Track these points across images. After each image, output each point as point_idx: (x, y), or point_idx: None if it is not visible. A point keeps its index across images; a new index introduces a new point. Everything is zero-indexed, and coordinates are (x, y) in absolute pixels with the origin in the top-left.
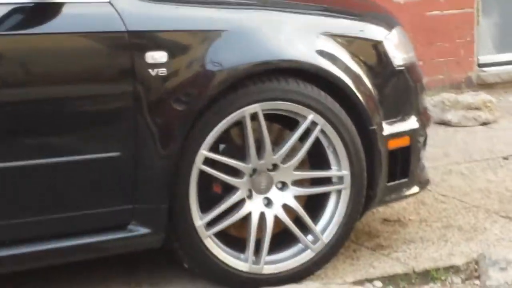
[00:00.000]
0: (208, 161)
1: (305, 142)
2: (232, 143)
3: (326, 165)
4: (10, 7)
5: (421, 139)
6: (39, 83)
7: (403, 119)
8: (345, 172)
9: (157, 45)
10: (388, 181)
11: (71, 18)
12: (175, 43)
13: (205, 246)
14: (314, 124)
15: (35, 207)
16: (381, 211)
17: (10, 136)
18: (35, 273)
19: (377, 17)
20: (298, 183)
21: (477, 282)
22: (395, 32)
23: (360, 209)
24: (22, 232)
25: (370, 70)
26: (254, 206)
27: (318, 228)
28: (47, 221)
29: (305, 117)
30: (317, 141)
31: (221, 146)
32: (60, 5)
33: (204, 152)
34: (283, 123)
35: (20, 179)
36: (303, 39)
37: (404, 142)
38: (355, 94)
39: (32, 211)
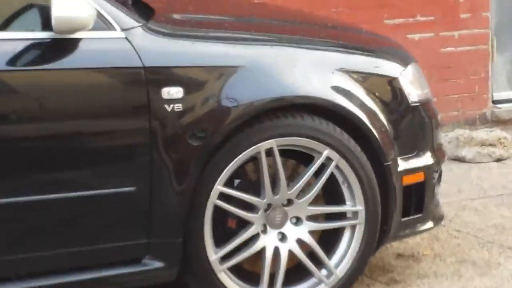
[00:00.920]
0: (223, 196)
1: (320, 178)
2: (247, 178)
3: (340, 201)
4: (28, 43)
5: (436, 175)
6: (56, 118)
7: (418, 155)
8: (360, 208)
9: (173, 81)
10: (403, 217)
11: (88, 54)
12: (191, 79)
13: (219, 280)
14: (329, 159)
15: (52, 241)
16: (395, 246)
17: (28, 170)
18: None
19: (393, 53)
20: (313, 218)
21: None
22: (410, 68)
23: (374, 244)
24: (40, 265)
25: (385, 106)
26: (268, 241)
27: (332, 262)
28: (64, 254)
29: (320, 153)
30: (331, 177)
31: (236, 181)
32: (78, 40)
33: (219, 187)
34: (298, 159)
35: (37, 213)
36: (318, 75)
37: (418, 178)
38: (370, 130)
39: (49, 244)
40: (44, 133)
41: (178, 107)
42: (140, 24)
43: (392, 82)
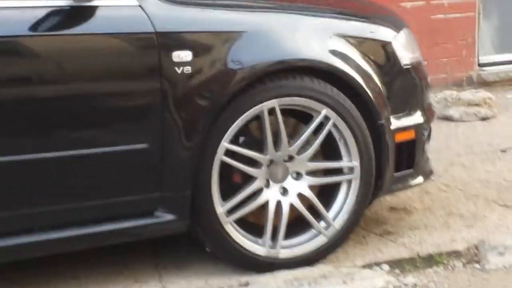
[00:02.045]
0: (229, 153)
1: (319, 135)
2: (251, 136)
3: (337, 157)
4: (48, 10)
5: (426, 133)
6: (74, 80)
7: (409, 114)
8: (355, 163)
9: (183, 45)
10: (395, 172)
11: (104, 20)
12: (199, 43)
13: (225, 231)
14: (327, 118)
15: (72, 195)
16: (388, 199)
17: (49, 129)
18: (67, 255)
19: (386, 19)
20: (312, 173)
21: (477, 266)
22: (402, 33)
23: (368, 197)
24: (62, 217)
25: (379, 68)
26: (271, 195)
27: (330, 215)
28: (83, 207)
29: (318, 112)
30: (329, 134)
31: (241, 139)
32: (95, 8)
33: (225, 144)
34: (298, 118)
35: (59, 169)
36: (317, 39)
37: (410, 135)
38: (365, 90)
39: (70, 198)
40: (63, 93)
41: (188, 69)
42: None
43: (385, 46)
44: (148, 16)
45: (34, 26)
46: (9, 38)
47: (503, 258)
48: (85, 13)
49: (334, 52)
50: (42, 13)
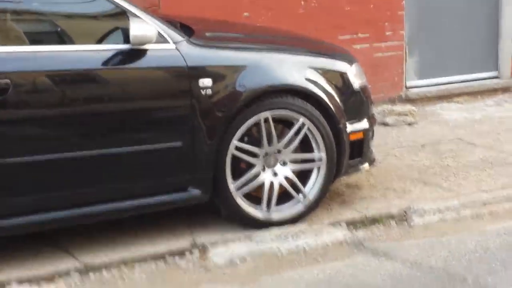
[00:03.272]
0: (237, 148)
1: (298, 136)
2: (253, 136)
3: (310, 150)
4: (114, 51)
5: (370, 134)
6: (132, 98)
7: (359, 121)
8: (323, 155)
9: (206, 75)
10: (349, 160)
11: (153, 58)
12: (217, 73)
13: (236, 202)
14: (303, 124)
15: (133, 176)
16: (345, 179)
17: (118, 132)
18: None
19: (343, 56)
20: (294, 161)
21: (405, 224)
22: (354, 66)
23: (332, 178)
24: (124, 192)
25: (338, 90)
26: (266, 177)
27: (306, 190)
28: (140, 186)
29: (297, 120)
30: (305, 135)
31: (246, 138)
32: (146, 50)
33: (235, 142)
34: (284, 124)
35: (126, 159)
36: (296, 70)
37: (359, 135)
38: (329, 105)
39: (131, 178)
40: (125, 108)
41: (209, 91)
42: (185, 39)
43: (343, 75)
44: (182, 55)
45: (105, 62)
46: (88, 70)
47: (423, 218)
48: (139, 53)
49: (308, 79)
50: (110, 53)
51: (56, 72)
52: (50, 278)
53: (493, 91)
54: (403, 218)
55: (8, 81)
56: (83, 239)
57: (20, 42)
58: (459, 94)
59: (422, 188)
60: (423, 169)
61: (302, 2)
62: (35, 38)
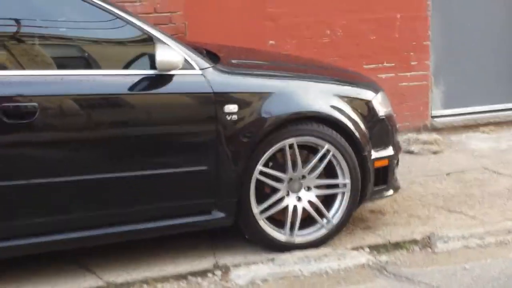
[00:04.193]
0: (262, 173)
1: (323, 162)
2: (277, 162)
3: (335, 176)
4: (141, 76)
5: (395, 161)
6: (159, 123)
7: (384, 149)
8: (347, 181)
9: (231, 101)
10: (374, 187)
11: (179, 83)
12: (242, 100)
13: (259, 225)
14: (328, 151)
15: (159, 198)
16: (369, 205)
17: (146, 156)
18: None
19: (368, 85)
20: (318, 187)
21: (429, 249)
22: (379, 94)
23: (356, 204)
24: (149, 214)
25: (364, 118)
26: (290, 201)
27: (330, 215)
28: (165, 207)
29: (322, 147)
30: (329, 161)
31: (270, 164)
32: (172, 75)
33: (259, 167)
34: (309, 150)
35: (153, 181)
36: (322, 98)
37: (384, 163)
38: (354, 133)
39: (157, 200)
40: (151, 132)
41: (234, 117)
42: (211, 66)
43: (368, 103)
44: (208, 81)
45: (132, 87)
46: (114, 94)
47: (447, 245)
48: (165, 79)
49: (333, 107)
50: (137, 78)
51: (83, 96)
52: None
53: None
54: (426, 244)
55: (35, 104)
56: (106, 258)
57: (48, 66)
58: (485, 124)
59: (447, 216)
60: (447, 197)
61: (328, 31)
62: (62, 63)
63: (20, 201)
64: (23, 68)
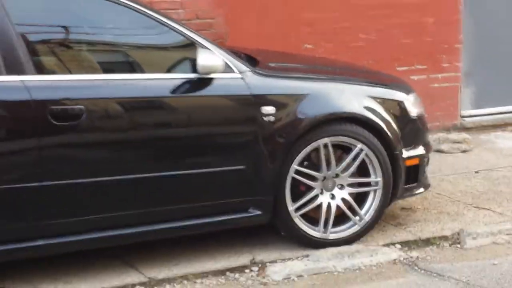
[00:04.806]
0: (297, 172)
1: (356, 161)
2: (312, 161)
3: (367, 175)
4: (182, 80)
5: (425, 160)
6: (200, 124)
7: (415, 148)
8: (379, 179)
9: (269, 103)
10: (405, 185)
11: (219, 86)
12: (279, 102)
13: (294, 222)
14: (361, 150)
15: (201, 196)
16: (400, 202)
17: (191, 156)
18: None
19: (400, 86)
20: (351, 185)
21: (458, 246)
22: (411, 95)
23: (387, 201)
24: (189, 212)
25: (396, 118)
26: (324, 199)
27: (362, 212)
28: (206, 205)
29: (355, 146)
30: (362, 160)
31: (305, 163)
32: (212, 79)
33: (295, 166)
34: (342, 149)
35: (191, 180)
36: (356, 99)
37: (415, 161)
38: (386, 132)
39: (200, 198)
40: (192, 133)
41: (272, 118)
42: (250, 69)
43: (400, 104)
44: (247, 84)
45: (174, 90)
46: (157, 97)
47: (475, 241)
48: (206, 82)
49: (366, 108)
50: (179, 82)
51: (127, 99)
52: None
53: None
54: (456, 240)
55: (82, 107)
56: (148, 255)
57: (94, 71)
58: None
59: (476, 212)
60: (476, 195)
61: (362, 35)
62: (108, 67)
63: (66, 200)
64: (70, 72)
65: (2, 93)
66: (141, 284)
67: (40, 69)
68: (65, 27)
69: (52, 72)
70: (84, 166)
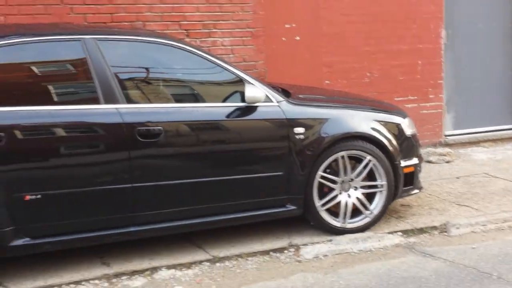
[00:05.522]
0: (322, 177)
1: (366, 169)
2: (333, 169)
3: (375, 179)
4: (234, 107)
5: (419, 168)
6: (247, 141)
7: (410, 159)
8: (384, 182)
9: (299, 125)
10: (404, 187)
11: (262, 113)
12: (307, 124)
13: (320, 215)
14: (370, 161)
15: (248, 195)
16: (400, 201)
17: (240, 165)
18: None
19: (398, 112)
20: (363, 187)
21: (445, 234)
22: (406, 119)
23: (390, 199)
24: (241, 206)
25: (395, 136)
26: (342, 197)
27: (371, 207)
28: (252, 202)
29: (365, 157)
30: (371, 168)
31: (327, 170)
32: (257, 107)
33: (320, 173)
34: (356, 160)
35: (242, 183)
36: (365, 122)
37: (411, 169)
38: (388, 147)
39: (247, 196)
40: (242, 147)
41: (301, 137)
42: (284, 100)
43: (398, 126)
44: (282, 111)
45: (228, 115)
46: (215, 121)
47: (458, 230)
48: (252, 109)
49: (373, 129)
50: (232, 109)
51: (193, 122)
52: (188, 266)
53: (511, 139)
54: (443, 229)
55: (161, 127)
56: (212, 239)
57: (168, 101)
58: (485, 141)
59: (458, 208)
60: (458, 195)
61: (368, 74)
62: (178, 98)
63: (150, 198)
64: (151, 102)
65: (102, 118)
66: (206, 260)
67: (129, 100)
68: (146, 68)
69: (138, 101)
70: (162, 172)
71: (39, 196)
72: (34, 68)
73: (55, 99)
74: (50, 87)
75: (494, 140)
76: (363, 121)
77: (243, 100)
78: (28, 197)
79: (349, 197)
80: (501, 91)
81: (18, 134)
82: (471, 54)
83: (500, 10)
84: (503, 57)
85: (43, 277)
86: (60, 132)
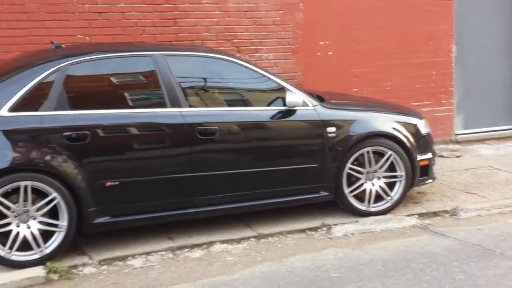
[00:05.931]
0: (350, 168)
1: (387, 162)
2: (359, 161)
3: (395, 170)
4: (276, 111)
5: (433, 162)
6: (288, 139)
7: (425, 154)
8: (403, 173)
9: (332, 125)
10: (420, 177)
11: (300, 115)
12: (338, 124)
13: (348, 200)
14: (390, 155)
15: (288, 184)
16: (416, 189)
17: (281, 158)
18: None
19: (415, 114)
20: (385, 177)
21: (455, 216)
22: (422, 120)
23: (408, 187)
24: (283, 193)
25: (413, 135)
26: (368, 185)
27: (392, 194)
28: (291, 189)
29: (387, 152)
30: (392, 162)
31: (355, 163)
32: (296, 110)
33: (349, 165)
34: (379, 154)
35: (284, 173)
36: (386, 123)
37: (426, 162)
38: (406, 144)
39: (287, 184)
40: (284, 144)
41: (333, 135)
42: (319, 104)
43: (415, 126)
44: (317, 113)
45: (272, 117)
46: (262, 122)
47: (466, 214)
48: (292, 112)
49: (394, 128)
50: (275, 112)
51: (243, 123)
52: (238, 241)
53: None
54: (453, 213)
55: (216, 127)
56: (258, 219)
57: (222, 105)
58: (489, 139)
59: (466, 196)
60: (466, 184)
61: (389, 82)
62: (231, 103)
63: (208, 184)
64: (207, 106)
65: (168, 119)
66: (253, 237)
67: (190, 104)
68: (204, 78)
69: (197, 106)
70: (218, 164)
71: (117, 183)
72: (113, 79)
73: (130, 103)
74: (126, 94)
75: (497, 138)
76: (385, 122)
77: (284, 104)
78: (108, 184)
79: (373, 185)
80: (503, 97)
81: (100, 132)
82: (478, 66)
83: (502, 27)
84: (506, 68)
85: (120, 248)
86: (134, 130)
